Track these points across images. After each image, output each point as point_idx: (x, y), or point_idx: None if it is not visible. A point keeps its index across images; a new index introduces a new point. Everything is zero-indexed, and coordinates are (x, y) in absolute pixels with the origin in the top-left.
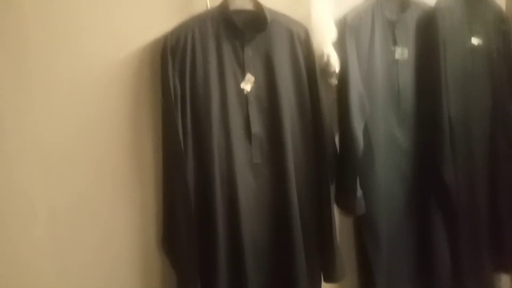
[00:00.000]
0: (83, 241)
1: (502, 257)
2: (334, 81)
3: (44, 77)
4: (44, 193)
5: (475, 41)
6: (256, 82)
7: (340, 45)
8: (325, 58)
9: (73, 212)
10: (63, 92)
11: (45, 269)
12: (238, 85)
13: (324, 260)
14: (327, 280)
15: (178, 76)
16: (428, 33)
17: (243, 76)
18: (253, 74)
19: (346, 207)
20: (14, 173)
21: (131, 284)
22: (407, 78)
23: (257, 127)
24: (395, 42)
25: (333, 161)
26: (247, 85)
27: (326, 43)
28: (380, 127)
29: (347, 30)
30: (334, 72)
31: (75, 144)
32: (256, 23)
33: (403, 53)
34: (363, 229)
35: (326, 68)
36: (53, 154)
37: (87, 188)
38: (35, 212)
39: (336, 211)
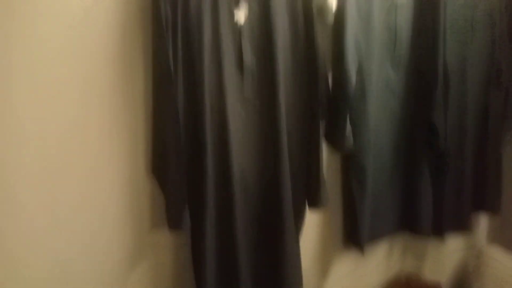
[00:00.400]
0: (74, 165)
1: (483, 198)
2: (330, 19)
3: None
4: (35, 119)
5: None
6: (250, 15)
7: None
8: None
9: (63, 137)
10: (51, 18)
11: (35, 196)
12: (231, 16)
13: (309, 188)
14: (311, 206)
15: (169, 4)
16: None
17: (237, 7)
18: (248, 5)
19: (335, 142)
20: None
21: (121, 208)
22: (405, 22)
23: (249, 59)
24: None
25: (325, 97)
26: (241, 15)
27: None
28: (374, 68)
29: None
30: (331, 10)
31: (64, 68)
32: None
33: None
34: (350, 167)
35: (323, 6)
36: (41, 78)
37: (77, 114)
38: (25, 138)
39: (325, 150)
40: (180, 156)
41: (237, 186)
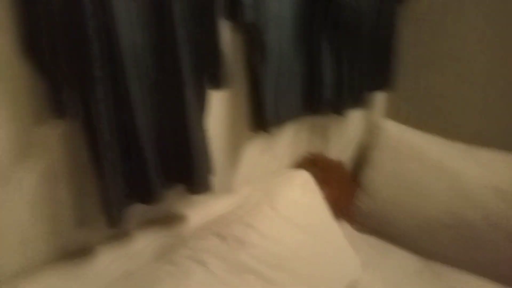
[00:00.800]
0: None
1: (379, 75)
2: None
3: None
4: None
5: None
6: None
7: None
8: None
9: None
10: None
11: None
12: None
13: (208, 66)
14: (212, 86)
15: None
16: None
17: None
18: None
19: (234, 15)
20: None
21: None
22: None
23: None
24: None
25: None
26: None
27: None
28: None
29: None
30: None
31: None
32: None
33: None
34: (252, 43)
35: None
36: None
37: None
38: None
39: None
40: (56, 30)
41: (128, 62)
